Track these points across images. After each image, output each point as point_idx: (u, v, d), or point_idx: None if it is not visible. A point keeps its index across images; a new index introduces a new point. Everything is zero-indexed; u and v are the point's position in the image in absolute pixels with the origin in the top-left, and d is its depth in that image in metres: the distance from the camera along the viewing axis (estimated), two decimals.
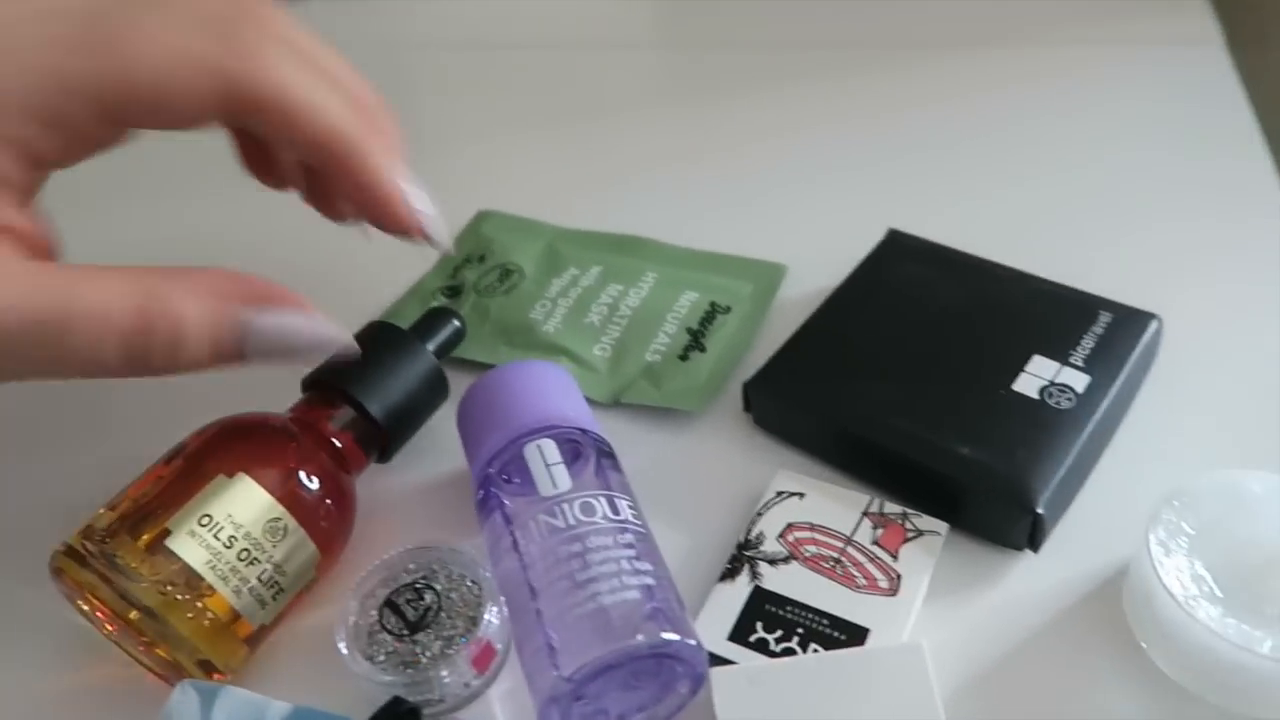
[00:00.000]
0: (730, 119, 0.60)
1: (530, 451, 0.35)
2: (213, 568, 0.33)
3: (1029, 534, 0.35)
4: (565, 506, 0.33)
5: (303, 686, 0.35)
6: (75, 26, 0.28)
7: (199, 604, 0.32)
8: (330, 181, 0.34)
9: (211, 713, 0.31)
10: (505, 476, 0.35)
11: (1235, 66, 0.57)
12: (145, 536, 0.32)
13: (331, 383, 0.38)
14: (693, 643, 0.31)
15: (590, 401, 0.43)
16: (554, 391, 0.38)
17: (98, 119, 0.29)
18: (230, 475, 0.34)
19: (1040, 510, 0.35)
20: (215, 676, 0.34)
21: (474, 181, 0.57)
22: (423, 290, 0.49)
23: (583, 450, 0.36)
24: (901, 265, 0.44)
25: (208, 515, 0.33)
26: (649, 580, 0.32)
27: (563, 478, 0.34)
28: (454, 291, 0.49)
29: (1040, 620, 0.34)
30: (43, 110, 0.28)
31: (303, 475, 0.35)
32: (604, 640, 0.30)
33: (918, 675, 0.31)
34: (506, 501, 0.35)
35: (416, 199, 0.34)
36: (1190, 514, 0.33)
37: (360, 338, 0.40)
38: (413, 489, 0.41)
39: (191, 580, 0.32)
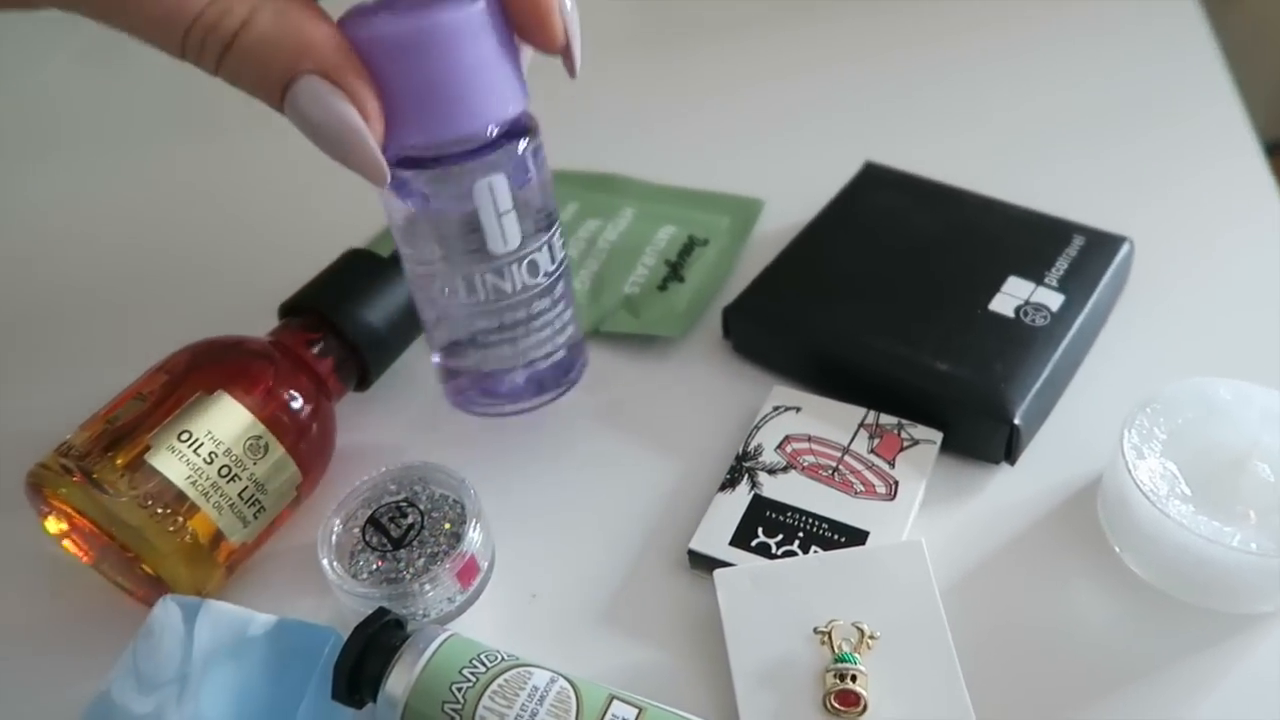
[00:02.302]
0: (708, 60, 0.60)
1: (481, 193, 0.32)
2: (194, 484, 0.32)
3: (1006, 445, 0.36)
4: (514, 269, 0.34)
5: (286, 605, 0.35)
6: None
7: (180, 519, 0.32)
8: None
9: (195, 626, 0.31)
10: (437, 201, 0.32)
11: (1204, 13, 0.58)
12: (124, 453, 0.32)
13: (311, 308, 0.38)
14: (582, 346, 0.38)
15: None
16: (490, 61, 0.30)
17: None
18: (210, 393, 0.34)
19: (1017, 421, 0.35)
20: None
21: None
22: None
23: (525, 162, 0.33)
24: (878, 195, 0.45)
25: (187, 431, 0.33)
26: (571, 327, 0.37)
27: (513, 231, 0.33)
28: None
29: (1022, 527, 0.35)
30: None
31: (282, 395, 0.35)
32: (536, 393, 0.37)
33: (918, 570, 0.32)
34: (439, 226, 0.33)
35: (570, 11, 0.30)
36: (1162, 419, 0.34)
37: (339, 265, 0.40)
38: (393, 418, 0.41)
39: (172, 496, 0.32)
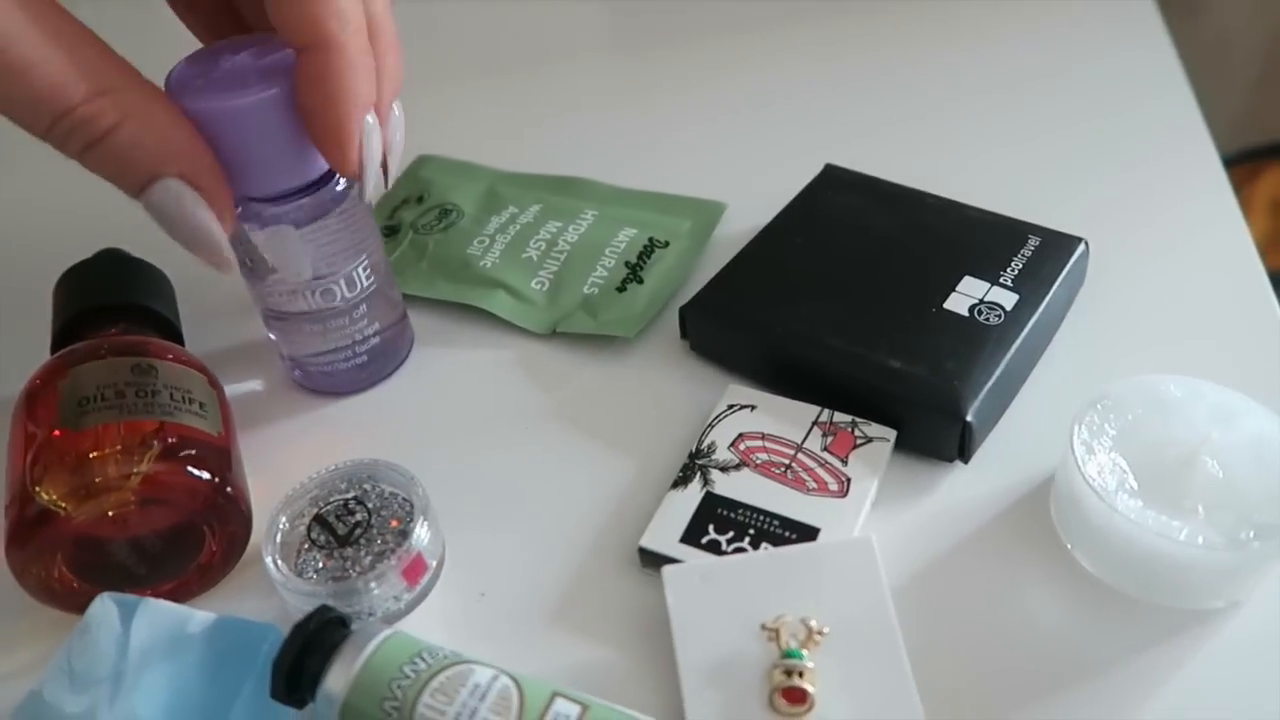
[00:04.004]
0: (671, 64, 0.60)
1: (272, 236, 0.35)
2: (123, 410, 0.33)
3: (959, 443, 0.36)
4: (308, 294, 0.37)
5: (231, 605, 0.35)
6: None
7: (150, 456, 0.33)
8: (299, 82, 0.32)
9: (132, 623, 0.31)
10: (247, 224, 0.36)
11: (1163, 20, 0.59)
12: (65, 465, 0.32)
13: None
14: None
15: (527, 332, 0.43)
16: (284, 139, 0.33)
17: None
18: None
19: (969, 418, 0.35)
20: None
21: (413, 127, 0.56)
22: None
23: (324, 206, 0.36)
24: (836, 196, 0.45)
25: (85, 398, 0.33)
26: (375, 340, 0.40)
27: (305, 266, 0.37)
28: (391, 231, 0.48)
29: (975, 525, 0.35)
30: None
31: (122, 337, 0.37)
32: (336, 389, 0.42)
33: (868, 566, 0.31)
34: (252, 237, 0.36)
35: (370, 143, 0.32)
36: (1113, 415, 0.34)
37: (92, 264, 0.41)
38: (343, 414, 0.41)
39: (128, 440, 0.32)
